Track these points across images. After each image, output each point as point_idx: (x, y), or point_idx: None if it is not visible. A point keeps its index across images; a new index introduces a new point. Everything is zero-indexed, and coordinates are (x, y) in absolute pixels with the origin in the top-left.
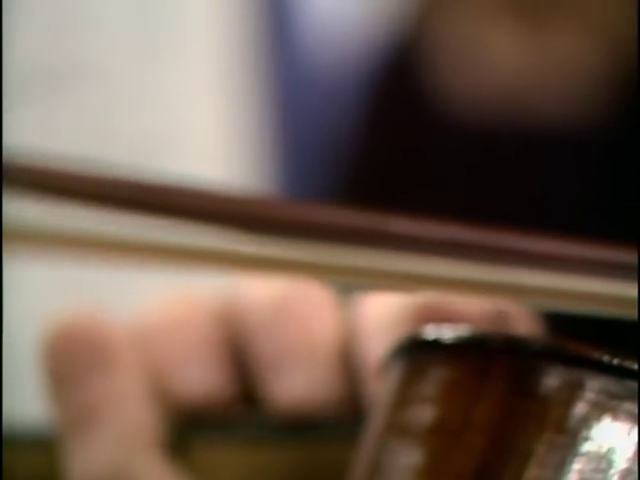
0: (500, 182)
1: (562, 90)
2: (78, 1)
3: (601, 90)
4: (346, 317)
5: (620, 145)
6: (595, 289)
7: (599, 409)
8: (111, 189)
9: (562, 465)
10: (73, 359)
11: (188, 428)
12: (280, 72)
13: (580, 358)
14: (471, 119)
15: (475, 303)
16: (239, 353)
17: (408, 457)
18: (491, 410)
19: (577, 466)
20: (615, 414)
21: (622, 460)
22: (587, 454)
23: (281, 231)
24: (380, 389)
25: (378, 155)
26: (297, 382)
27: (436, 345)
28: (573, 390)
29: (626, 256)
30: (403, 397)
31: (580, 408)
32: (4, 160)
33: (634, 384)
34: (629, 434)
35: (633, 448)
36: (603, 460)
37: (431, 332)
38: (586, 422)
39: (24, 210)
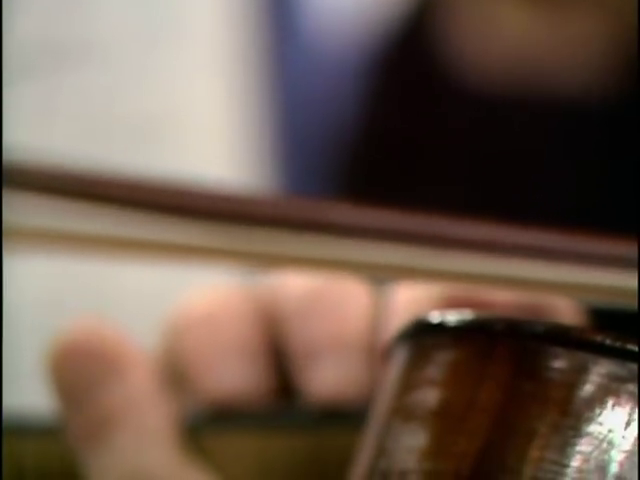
0: (509, 150)
1: (571, 64)
2: None
3: (610, 65)
4: (377, 308)
5: (628, 119)
6: (595, 280)
7: (602, 391)
8: (109, 189)
9: (565, 446)
10: (81, 373)
11: (202, 419)
12: (283, 56)
13: (583, 341)
14: (480, 89)
15: (505, 295)
16: (275, 345)
17: (413, 439)
18: (495, 392)
19: (580, 447)
20: (617, 396)
21: (625, 442)
22: (590, 436)
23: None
24: (386, 373)
25: (387, 126)
26: (332, 372)
27: (440, 329)
28: (576, 372)
29: (626, 248)
30: (408, 380)
31: (583, 390)
32: (4, 161)
33: (636, 366)
34: (631, 416)
35: (636, 430)
36: (606, 442)
37: (435, 316)
38: (589, 404)
39: (23, 209)
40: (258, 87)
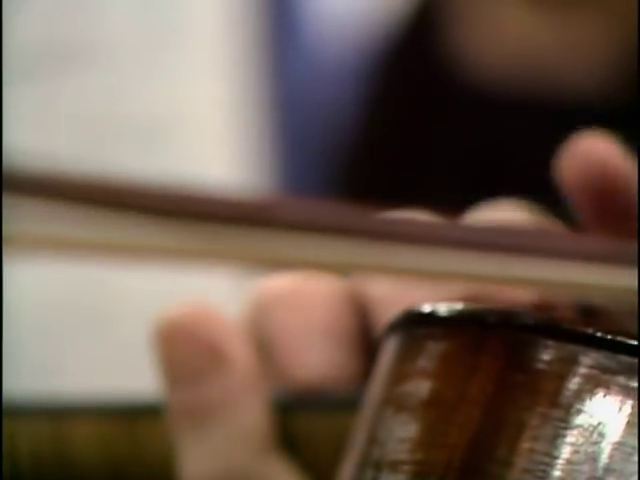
0: (512, 152)
1: (575, 67)
2: None
3: (614, 68)
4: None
5: (632, 121)
6: (594, 279)
7: (592, 383)
8: (110, 194)
9: (555, 438)
10: (186, 357)
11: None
12: (284, 58)
13: (574, 333)
14: (483, 91)
15: (521, 294)
16: (361, 330)
17: (404, 430)
18: (486, 384)
19: (570, 439)
20: (608, 388)
21: (615, 433)
22: (580, 427)
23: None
24: (378, 363)
25: (387, 129)
26: None
27: (432, 320)
28: (567, 364)
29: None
30: (399, 371)
31: (573, 382)
32: (4, 165)
33: (627, 359)
34: (622, 408)
35: (625, 421)
36: (596, 433)
37: (427, 307)
38: (579, 396)
39: (24, 214)
40: (259, 89)
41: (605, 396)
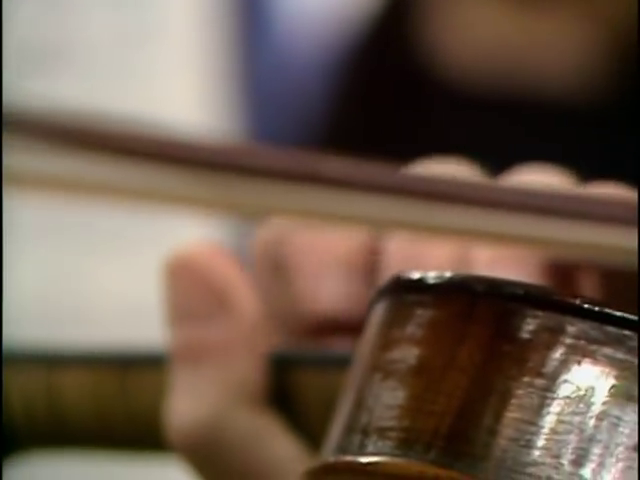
0: (486, 151)
1: (549, 65)
2: None
3: (590, 66)
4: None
5: (610, 119)
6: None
7: (579, 353)
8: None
9: (541, 407)
10: (195, 296)
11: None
12: (253, 57)
13: (562, 303)
14: (455, 88)
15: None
16: (377, 272)
17: (392, 397)
18: (474, 352)
19: (556, 409)
20: (595, 359)
21: (601, 404)
22: (567, 397)
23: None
24: (367, 327)
25: (355, 126)
26: None
27: (421, 287)
28: (554, 334)
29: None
30: (387, 337)
31: (560, 352)
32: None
33: (614, 330)
34: (608, 379)
35: (611, 392)
36: (582, 403)
37: (416, 274)
38: (566, 366)
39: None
40: (231, 88)
41: (591, 367)
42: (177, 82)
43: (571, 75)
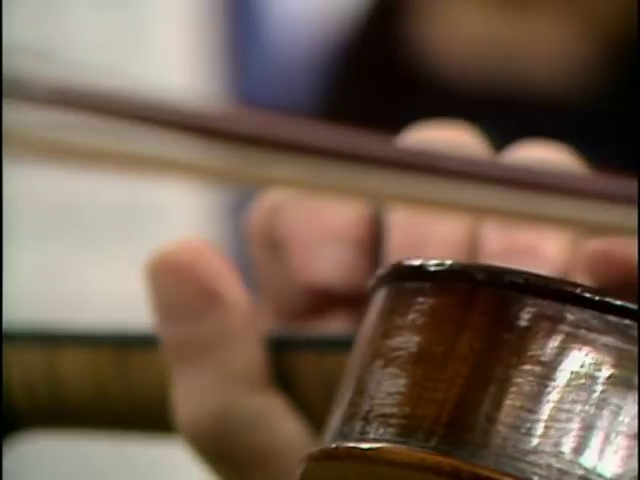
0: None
1: (536, 64)
2: None
3: (579, 65)
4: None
5: (593, 115)
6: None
7: (579, 342)
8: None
9: (541, 395)
10: (183, 295)
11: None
12: (244, 55)
13: (562, 292)
14: (444, 86)
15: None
16: (376, 245)
17: (393, 384)
18: (474, 341)
19: (556, 397)
20: (594, 347)
21: (601, 392)
22: (566, 385)
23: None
24: (367, 314)
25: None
26: None
27: (422, 275)
28: (554, 322)
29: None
30: (388, 325)
31: (560, 340)
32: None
33: (614, 319)
34: (607, 367)
35: (612, 380)
36: (581, 391)
37: (417, 261)
38: (566, 354)
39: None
40: (221, 89)
41: (591, 355)
42: (168, 82)
43: (559, 72)
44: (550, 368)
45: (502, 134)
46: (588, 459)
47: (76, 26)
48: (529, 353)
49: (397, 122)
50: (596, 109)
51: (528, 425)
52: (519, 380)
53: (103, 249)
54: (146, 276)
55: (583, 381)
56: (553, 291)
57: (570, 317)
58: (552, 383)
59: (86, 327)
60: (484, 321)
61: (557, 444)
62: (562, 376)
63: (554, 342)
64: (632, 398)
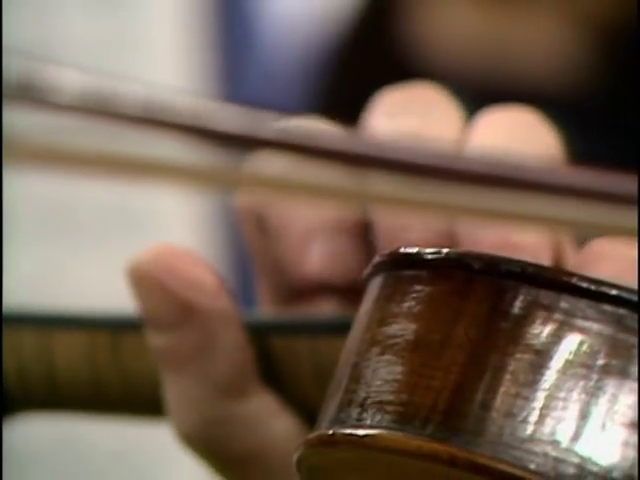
0: None
1: (527, 61)
2: None
3: (567, 61)
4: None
5: (585, 113)
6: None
7: (575, 331)
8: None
9: (537, 384)
10: (158, 309)
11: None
12: (239, 59)
13: (558, 281)
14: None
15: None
16: (367, 236)
17: (389, 371)
18: (470, 329)
19: (552, 385)
20: (591, 337)
21: (595, 381)
22: (562, 374)
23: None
24: (363, 301)
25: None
26: None
27: (419, 263)
28: (550, 311)
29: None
30: (384, 312)
31: (556, 329)
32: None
33: (610, 308)
34: (603, 356)
35: (607, 369)
36: (578, 380)
37: (414, 249)
38: (562, 343)
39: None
40: (214, 93)
41: (587, 344)
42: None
43: (553, 70)
44: (546, 357)
45: None
46: (584, 447)
47: (70, 27)
48: (525, 341)
49: None
50: (590, 106)
51: (524, 413)
52: (515, 368)
53: (99, 250)
54: (128, 283)
55: (579, 370)
56: (549, 280)
57: (566, 306)
58: (548, 371)
59: (80, 311)
60: (480, 309)
61: (553, 432)
62: (558, 364)
63: (550, 331)
64: (628, 387)
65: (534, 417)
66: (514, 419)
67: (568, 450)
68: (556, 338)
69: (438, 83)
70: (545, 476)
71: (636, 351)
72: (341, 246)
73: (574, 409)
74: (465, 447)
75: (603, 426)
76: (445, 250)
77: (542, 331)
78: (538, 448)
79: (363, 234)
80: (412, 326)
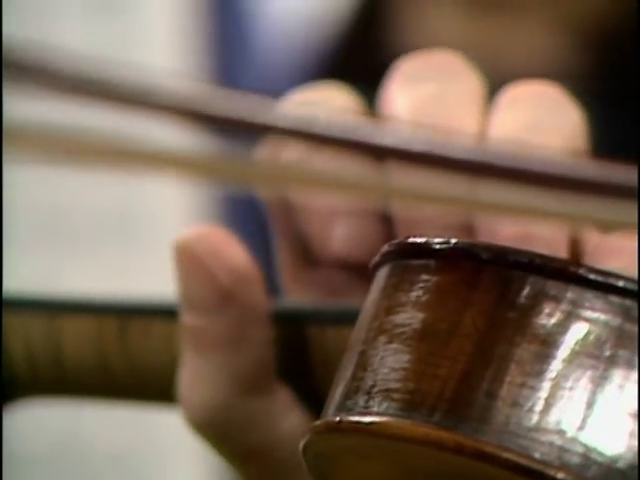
0: None
1: (514, 69)
2: None
3: (554, 68)
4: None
5: None
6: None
7: (581, 321)
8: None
9: (543, 374)
10: (197, 288)
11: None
12: (233, 61)
13: (565, 272)
14: None
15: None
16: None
17: (397, 360)
18: (478, 318)
19: (558, 375)
20: (597, 327)
21: (601, 370)
22: (569, 364)
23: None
24: (371, 290)
25: None
26: None
27: (427, 252)
28: (557, 302)
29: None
30: (393, 301)
31: (563, 320)
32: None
33: (617, 299)
34: (609, 347)
35: (613, 360)
36: (583, 370)
37: (422, 239)
38: (568, 333)
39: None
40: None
41: (594, 335)
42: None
43: (538, 76)
44: (553, 347)
45: None
46: (589, 437)
47: (67, 26)
48: (532, 331)
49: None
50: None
51: (530, 403)
52: (522, 358)
53: (96, 257)
54: (172, 258)
55: (585, 360)
56: (556, 271)
57: (573, 297)
58: (554, 361)
59: (88, 297)
60: (488, 299)
61: (559, 422)
62: (564, 355)
63: (557, 321)
64: (634, 377)
65: (540, 406)
66: (520, 408)
67: (573, 440)
68: (563, 328)
69: None
70: (550, 465)
71: None
72: (365, 227)
73: (580, 399)
74: (471, 435)
75: (609, 416)
76: (453, 240)
77: (549, 321)
78: (544, 437)
79: (385, 220)
80: (420, 315)
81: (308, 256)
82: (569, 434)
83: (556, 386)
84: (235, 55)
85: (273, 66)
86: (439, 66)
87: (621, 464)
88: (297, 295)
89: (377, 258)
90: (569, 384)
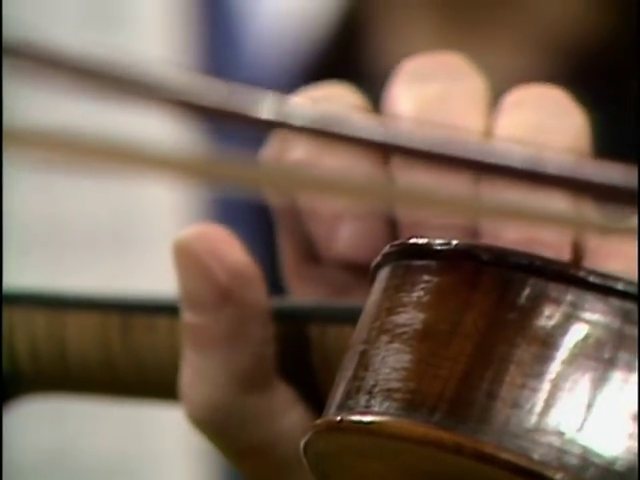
0: None
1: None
2: None
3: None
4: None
5: None
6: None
7: (581, 323)
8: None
9: (543, 375)
10: (196, 286)
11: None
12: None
13: (566, 274)
14: None
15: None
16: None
17: (398, 359)
18: (478, 319)
19: (558, 377)
20: (597, 329)
21: (601, 372)
22: (568, 366)
23: None
24: (372, 290)
25: None
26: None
27: (428, 253)
28: (557, 304)
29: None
30: (394, 301)
31: (563, 321)
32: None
33: (618, 302)
34: (609, 349)
35: (612, 362)
36: (583, 372)
37: (424, 240)
38: (568, 335)
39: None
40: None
41: (594, 337)
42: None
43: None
44: (552, 348)
45: None
46: (588, 439)
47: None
48: (532, 333)
49: None
50: None
51: (530, 404)
52: (522, 359)
53: (92, 266)
54: (172, 256)
55: (585, 362)
56: (557, 273)
57: (573, 299)
58: (554, 363)
59: (92, 293)
60: (489, 300)
61: (558, 423)
62: (564, 356)
63: (557, 323)
64: (633, 380)
65: (539, 408)
66: (520, 409)
67: (572, 441)
68: (563, 330)
69: None
70: (548, 466)
71: None
72: (370, 229)
73: (579, 401)
74: (471, 436)
75: (608, 418)
76: (454, 241)
77: (549, 323)
78: (543, 438)
79: (390, 222)
80: (421, 315)
81: (312, 255)
82: (568, 435)
83: (556, 387)
84: (224, 56)
85: (262, 68)
86: (444, 66)
87: (620, 466)
88: (300, 292)
89: (379, 259)
90: (569, 385)
